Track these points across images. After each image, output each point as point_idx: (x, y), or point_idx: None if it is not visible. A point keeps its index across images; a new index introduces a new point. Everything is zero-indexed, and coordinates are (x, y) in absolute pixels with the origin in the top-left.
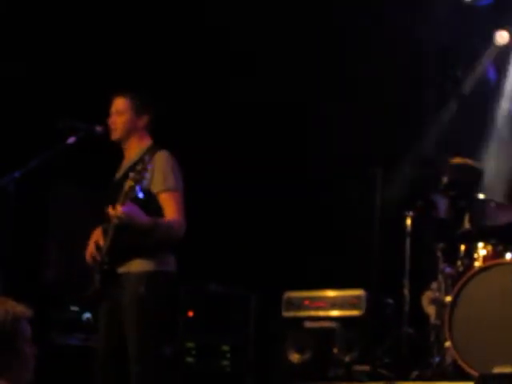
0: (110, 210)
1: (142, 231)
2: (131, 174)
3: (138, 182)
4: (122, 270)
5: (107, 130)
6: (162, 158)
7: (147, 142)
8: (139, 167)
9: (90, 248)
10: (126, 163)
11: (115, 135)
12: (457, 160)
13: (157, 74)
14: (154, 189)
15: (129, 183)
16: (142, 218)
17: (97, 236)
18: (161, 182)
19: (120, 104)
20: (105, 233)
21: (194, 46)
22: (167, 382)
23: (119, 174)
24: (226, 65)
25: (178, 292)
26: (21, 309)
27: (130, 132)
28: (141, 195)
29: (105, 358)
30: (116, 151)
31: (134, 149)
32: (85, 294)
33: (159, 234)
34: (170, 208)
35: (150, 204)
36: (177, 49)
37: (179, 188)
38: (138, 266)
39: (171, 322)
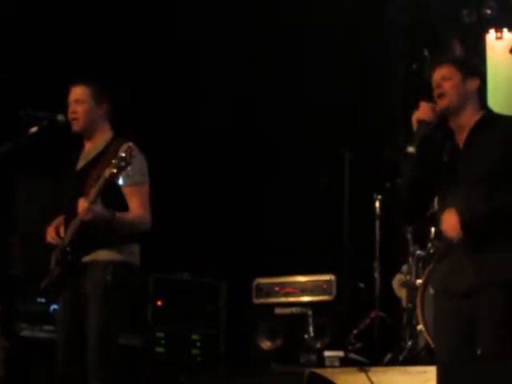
0: (80, 203)
1: (105, 227)
2: (114, 162)
3: (121, 170)
4: (87, 258)
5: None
6: None
7: (109, 132)
8: (123, 159)
9: (50, 231)
10: (88, 153)
11: (77, 126)
12: None
13: (115, 62)
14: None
15: (111, 170)
16: (105, 215)
17: (58, 223)
18: (126, 175)
19: (79, 93)
20: (66, 222)
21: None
22: (123, 370)
23: (80, 165)
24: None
25: (140, 285)
26: None
27: (91, 122)
28: (121, 182)
29: (65, 349)
30: (80, 142)
31: (97, 139)
32: (43, 284)
33: (122, 230)
34: (135, 203)
35: (117, 196)
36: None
37: (145, 182)
38: (104, 255)
39: (131, 313)
